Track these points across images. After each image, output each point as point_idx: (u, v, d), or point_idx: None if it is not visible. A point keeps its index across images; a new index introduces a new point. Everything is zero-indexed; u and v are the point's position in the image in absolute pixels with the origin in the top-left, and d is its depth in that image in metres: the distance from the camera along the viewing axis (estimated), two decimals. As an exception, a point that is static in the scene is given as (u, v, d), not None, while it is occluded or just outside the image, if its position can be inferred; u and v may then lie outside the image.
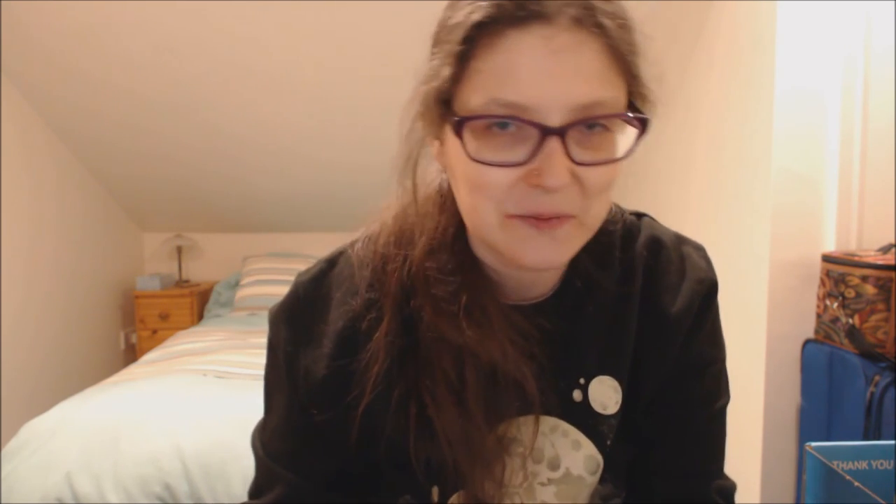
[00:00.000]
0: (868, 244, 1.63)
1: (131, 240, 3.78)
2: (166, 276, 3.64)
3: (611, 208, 0.62)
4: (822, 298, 1.58)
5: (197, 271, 3.89)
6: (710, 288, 0.62)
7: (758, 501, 1.70)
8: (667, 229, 0.65)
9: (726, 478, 0.66)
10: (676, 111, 2.26)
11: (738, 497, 0.65)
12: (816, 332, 1.61)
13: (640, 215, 0.66)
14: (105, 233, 3.48)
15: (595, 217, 0.52)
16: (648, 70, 0.51)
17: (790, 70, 1.63)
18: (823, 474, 0.66)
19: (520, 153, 0.48)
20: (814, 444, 0.69)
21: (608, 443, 0.60)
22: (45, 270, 2.96)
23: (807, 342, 1.64)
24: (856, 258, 1.49)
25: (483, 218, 0.51)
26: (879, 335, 1.45)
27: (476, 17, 0.47)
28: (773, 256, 1.67)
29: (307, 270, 0.64)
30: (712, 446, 0.65)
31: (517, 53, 0.46)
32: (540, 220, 0.49)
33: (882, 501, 0.59)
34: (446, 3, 0.53)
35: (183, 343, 2.71)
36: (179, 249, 3.75)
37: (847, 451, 0.68)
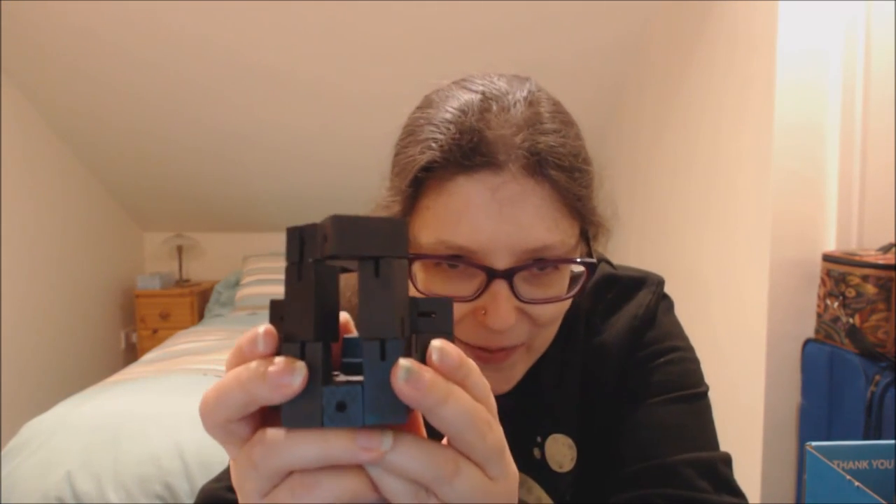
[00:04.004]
0: (868, 244, 1.63)
1: (131, 239, 3.78)
2: (167, 275, 3.64)
3: None
4: (822, 298, 1.58)
5: (197, 271, 3.89)
6: (643, 321, 0.62)
7: (758, 501, 1.70)
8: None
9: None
10: (676, 111, 2.26)
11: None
12: (817, 331, 1.61)
13: None
14: (105, 232, 3.48)
15: (543, 342, 0.55)
16: (599, 203, 0.52)
17: (790, 69, 1.63)
18: (823, 474, 0.66)
19: (468, 289, 0.49)
20: (814, 443, 0.69)
21: (567, 498, 0.63)
22: (45, 270, 2.96)
23: (807, 342, 1.64)
24: (856, 258, 1.49)
25: None
26: (880, 335, 1.45)
27: (425, 159, 0.48)
28: (773, 256, 1.67)
29: None
30: (671, 435, 0.61)
31: (465, 199, 0.47)
32: (486, 353, 0.51)
33: (882, 501, 0.59)
34: (417, 107, 0.53)
35: (183, 343, 2.71)
36: (180, 249, 3.76)
37: (847, 450, 0.68)
